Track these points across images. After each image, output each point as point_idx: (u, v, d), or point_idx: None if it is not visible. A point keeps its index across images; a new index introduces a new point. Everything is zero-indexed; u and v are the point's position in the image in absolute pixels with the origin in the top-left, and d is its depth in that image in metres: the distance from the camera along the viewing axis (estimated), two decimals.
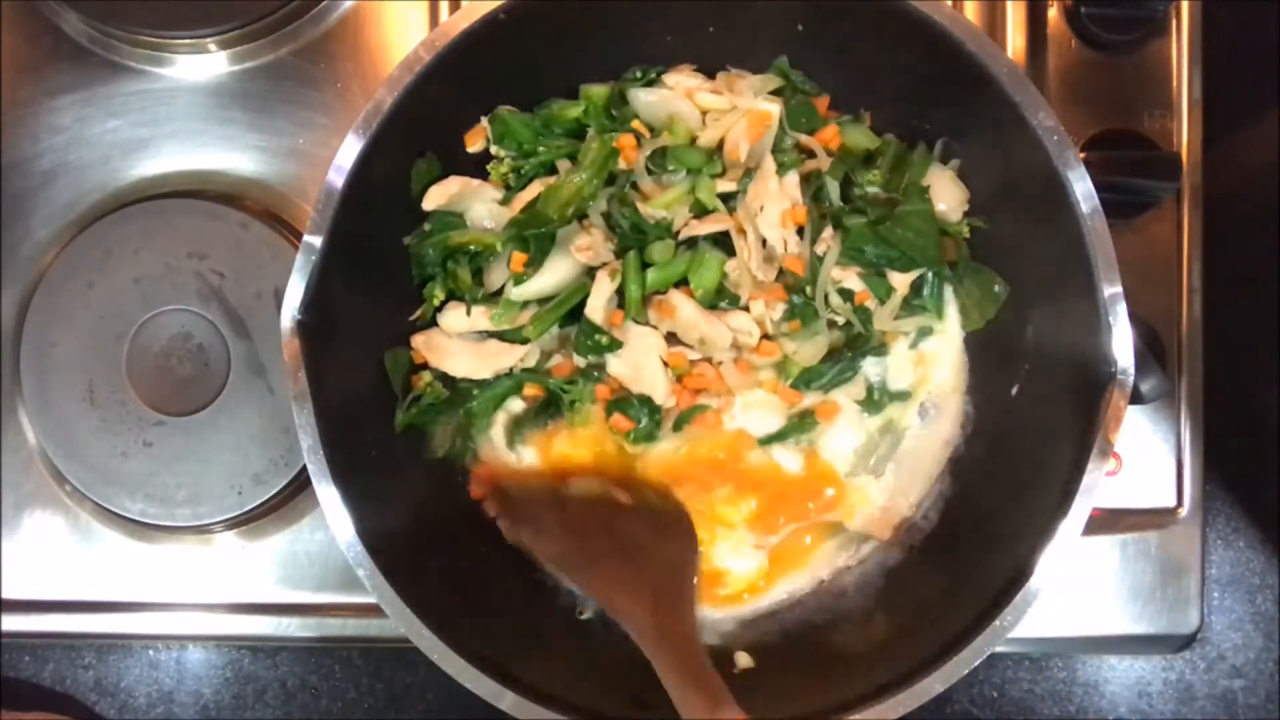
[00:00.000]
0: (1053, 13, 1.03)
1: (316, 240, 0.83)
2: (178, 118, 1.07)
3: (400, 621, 0.82)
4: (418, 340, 0.95)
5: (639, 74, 0.95)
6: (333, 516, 0.82)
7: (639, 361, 0.93)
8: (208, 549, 1.05)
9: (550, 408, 0.97)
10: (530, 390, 0.96)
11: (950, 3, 1.00)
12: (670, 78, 0.95)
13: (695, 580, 0.93)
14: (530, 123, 0.94)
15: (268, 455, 1.02)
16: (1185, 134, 1.02)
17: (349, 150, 0.83)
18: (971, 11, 1.03)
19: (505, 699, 0.81)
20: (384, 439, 0.93)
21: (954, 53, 0.83)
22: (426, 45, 0.84)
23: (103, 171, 1.07)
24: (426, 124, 0.89)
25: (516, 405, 0.98)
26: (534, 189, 0.93)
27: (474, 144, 0.95)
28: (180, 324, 1.04)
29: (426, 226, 0.95)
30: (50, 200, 1.07)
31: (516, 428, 0.98)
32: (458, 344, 0.95)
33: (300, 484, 1.03)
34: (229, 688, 1.12)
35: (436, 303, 0.95)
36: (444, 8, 1.05)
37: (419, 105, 0.85)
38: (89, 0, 1.04)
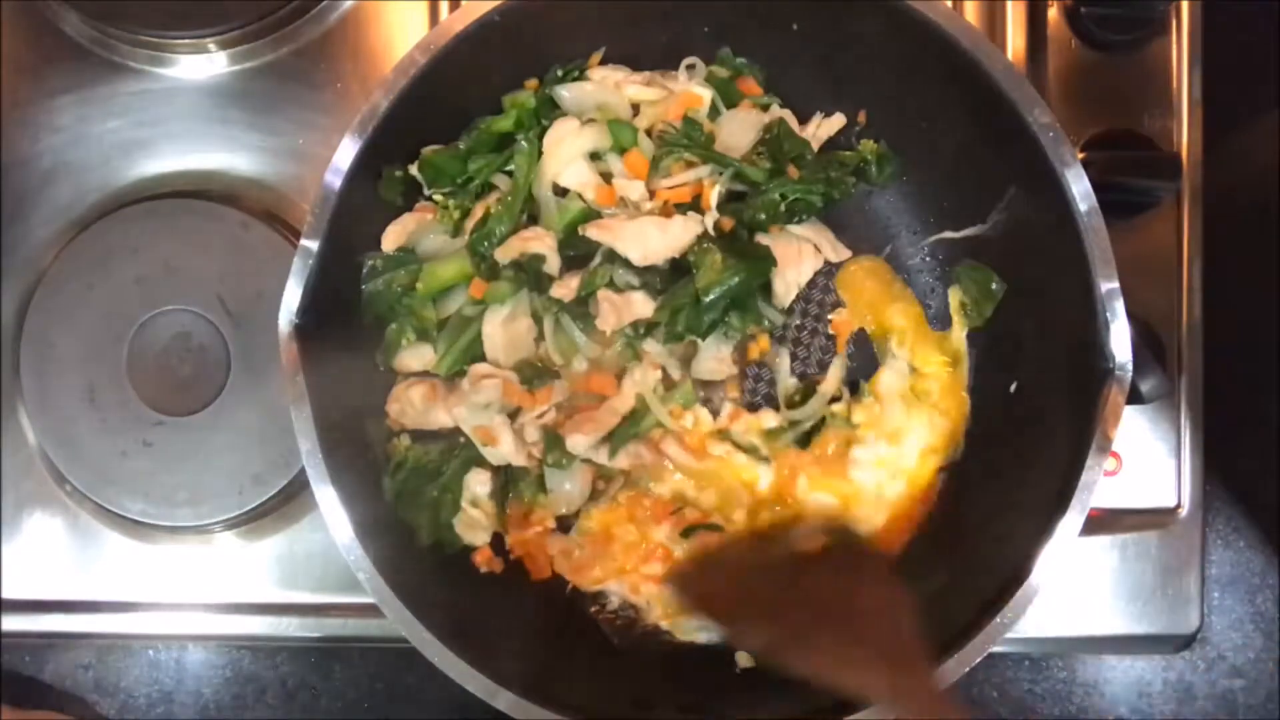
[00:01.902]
0: (1053, 13, 1.03)
1: (313, 244, 0.83)
2: (178, 118, 1.07)
3: (400, 622, 0.82)
4: (391, 409, 0.93)
5: (560, 73, 0.93)
6: (331, 519, 0.82)
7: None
8: (208, 549, 1.05)
9: (510, 483, 0.94)
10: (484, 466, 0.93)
11: (950, 3, 1.00)
12: (594, 72, 0.93)
13: (916, 624, 0.80)
14: (457, 154, 0.92)
15: (268, 455, 1.02)
16: (1185, 134, 1.02)
17: (345, 153, 0.83)
18: (971, 11, 1.03)
19: (502, 698, 0.81)
20: (382, 440, 0.93)
21: (950, 51, 0.83)
22: (421, 48, 0.84)
23: (103, 171, 1.07)
24: (425, 125, 0.89)
25: (480, 485, 0.93)
26: (479, 209, 0.92)
27: (391, 244, 0.91)
28: (180, 324, 1.04)
29: (376, 264, 0.91)
30: (50, 200, 1.07)
31: (500, 504, 0.94)
32: (424, 395, 0.92)
33: (300, 484, 1.03)
34: (229, 688, 1.13)
35: (408, 345, 0.92)
36: (444, 8, 1.05)
37: (416, 108, 0.85)
38: (89, 0, 1.05)
